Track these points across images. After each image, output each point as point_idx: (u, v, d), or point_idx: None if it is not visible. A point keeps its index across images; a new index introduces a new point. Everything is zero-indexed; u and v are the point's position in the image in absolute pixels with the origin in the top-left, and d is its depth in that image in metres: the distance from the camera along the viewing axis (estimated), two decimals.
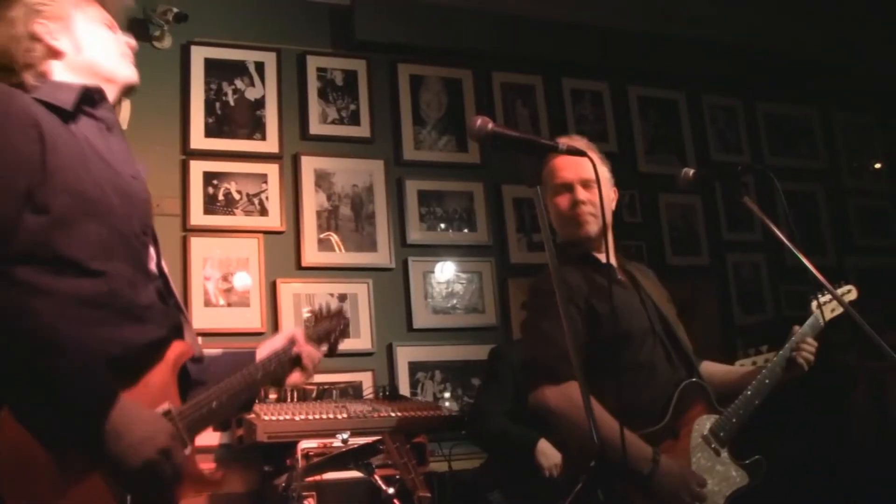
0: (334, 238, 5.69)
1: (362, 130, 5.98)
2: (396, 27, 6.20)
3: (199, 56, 5.64)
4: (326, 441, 4.33)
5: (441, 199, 6.08)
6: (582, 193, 3.24)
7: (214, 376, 2.45)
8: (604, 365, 2.93)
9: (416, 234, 5.94)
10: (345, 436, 4.04)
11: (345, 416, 4.42)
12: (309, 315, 3.23)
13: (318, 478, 4.34)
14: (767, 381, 3.25)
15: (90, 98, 2.28)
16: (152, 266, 2.33)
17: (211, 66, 5.66)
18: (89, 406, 1.92)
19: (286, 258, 5.55)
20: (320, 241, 5.65)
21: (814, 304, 3.48)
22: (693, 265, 6.76)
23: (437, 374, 5.70)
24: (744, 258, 6.99)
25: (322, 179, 5.75)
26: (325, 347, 2.85)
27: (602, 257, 3.26)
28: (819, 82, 7.58)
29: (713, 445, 3.07)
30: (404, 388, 5.48)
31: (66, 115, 2.19)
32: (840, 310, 3.45)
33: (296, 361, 2.67)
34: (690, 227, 6.85)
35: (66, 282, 2.04)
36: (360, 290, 5.65)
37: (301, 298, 5.48)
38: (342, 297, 5.58)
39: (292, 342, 2.67)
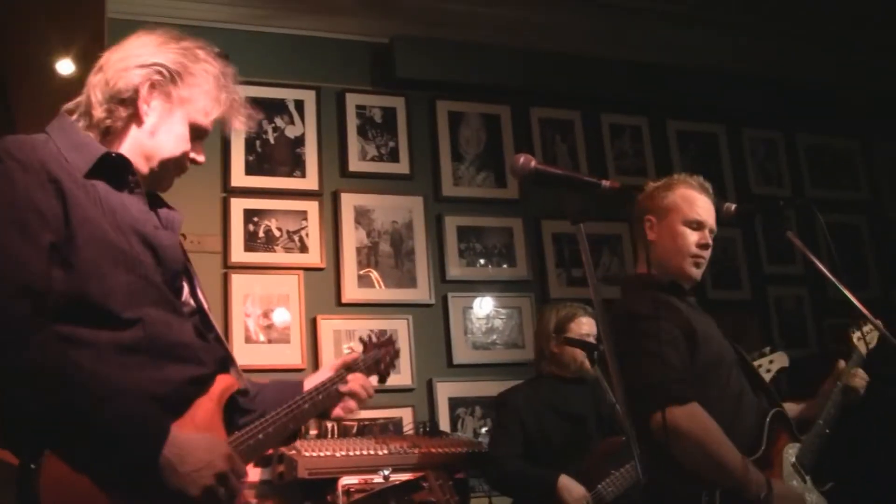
0: (374, 274, 5.71)
1: (401, 167, 6.01)
2: (435, 64, 6.22)
3: (242, 94, 5.68)
4: (367, 477, 4.33)
5: (480, 235, 6.08)
6: (710, 240, 3.28)
7: (262, 405, 2.48)
8: (703, 392, 2.95)
9: (455, 270, 5.94)
10: (386, 472, 4.04)
11: (385, 451, 4.42)
12: (356, 344, 3.29)
13: None
14: (833, 409, 3.34)
15: (110, 164, 2.23)
16: (188, 304, 2.35)
17: (251, 104, 5.69)
18: (143, 444, 1.95)
19: (326, 295, 5.57)
20: (360, 278, 5.66)
21: (855, 335, 3.60)
22: (734, 299, 6.71)
23: (478, 409, 5.67)
24: (786, 291, 6.93)
25: (361, 216, 5.77)
26: (374, 377, 2.87)
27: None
28: (859, 112, 7.52)
29: (801, 473, 3.09)
30: (444, 424, 5.47)
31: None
32: (874, 343, 3.58)
33: (343, 392, 2.68)
34: (731, 261, 6.80)
35: (103, 333, 2.05)
36: (400, 326, 5.65)
37: (341, 335, 5.49)
38: (382, 334, 5.55)
39: (341, 372, 2.68)
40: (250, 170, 5.57)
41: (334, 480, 4.29)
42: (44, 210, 2.02)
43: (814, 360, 6.64)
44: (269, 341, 5.33)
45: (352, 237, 5.72)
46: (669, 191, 3.31)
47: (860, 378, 3.44)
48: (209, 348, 2.30)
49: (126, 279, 2.10)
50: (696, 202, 3.29)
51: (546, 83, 6.57)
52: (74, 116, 2.28)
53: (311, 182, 5.72)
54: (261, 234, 5.48)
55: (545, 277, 6.18)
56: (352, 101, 6.01)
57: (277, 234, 5.52)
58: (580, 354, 4.51)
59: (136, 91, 2.26)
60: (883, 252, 7.44)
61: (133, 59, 2.29)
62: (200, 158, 2.42)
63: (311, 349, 5.41)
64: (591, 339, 4.50)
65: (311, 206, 5.65)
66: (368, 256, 5.72)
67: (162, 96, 2.30)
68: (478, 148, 6.29)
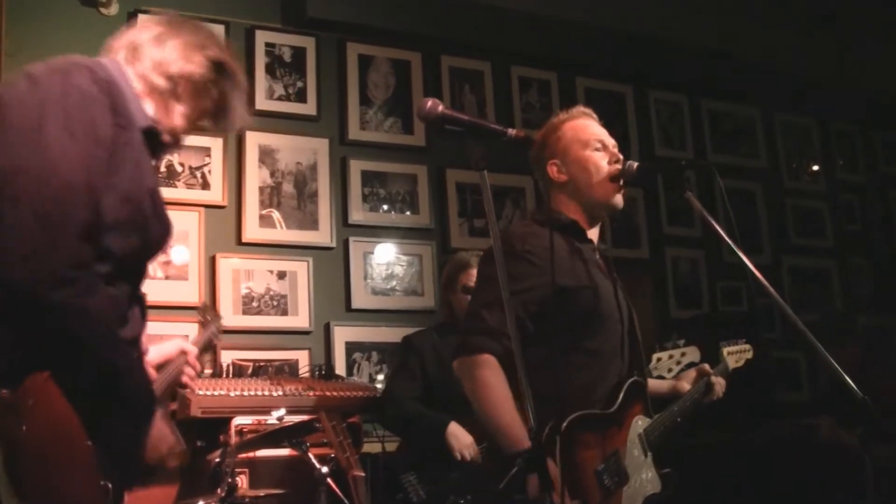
0: (276, 215, 5.66)
1: (308, 108, 5.94)
2: (347, 6, 6.15)
3: None
4: (261, 418, 4.32)
5: (384, 181, 6.07)
6: (619, 154, 3.25)
7: None
8: (564, 342, 2.96)
9: (357, 215, 5.92)
10: (280, 413, 4.02)
11: (280, 393, 4.41)
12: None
13: (251, 455, 4.33)
14: (688, 403, 3.44)
15: (150, 133, 2.34)
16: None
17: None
18: (147, 404, 2.22)
19: (227, 233, 5.51)
20: (262, 218, 5.61)
21: (725, 350, 3.89)
22: (632, 258, 6.83)
23: (374, 355, 5.69)
24: (683, 252, 7.08)
25: (266, 155, 5.71)
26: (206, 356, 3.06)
27: (592, 236, 3.27)
28: (761, 82, 7.68)
29: (644, 446, 3.11)
30: (340, 368, 5.48)
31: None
32: (741, 363, 3.95)
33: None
34: (631, 220, 6.91)
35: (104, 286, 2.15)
36: (300, 269, 5.62)
37: (240, 274, 5.44)
38: (282, 275, 5.55)
39: (182, 359, 2.79)
40: None
41: (227, 420, 4.28)
42: (115, 150, 2.13)
43: (704, 319, 6.82)
44: (167, 278, 5.25)
45: (255, 176, 5.65)
46: (559, 130, 3.27)
47: (720, 386, 3.58)
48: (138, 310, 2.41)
49: (134, 244, 2.20)
50: (588, 127, 3.27)
51: (458, 32, 6.56)
52: (128, 60, 2.40)
53: None
54: (162, 168, 5.36)
55: (447, 226, 6.20)
56: (261, 38, 5.91)
57: (179, 169, 5.43)
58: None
59: (192, 75, 2.40)
60: (776, 220, 7.64)
61: (200, 47, 2.44)
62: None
63: (209, 287, 5.35)
64: None
65: (215, 143, 5.56)
66: (271, 196, 5.67)
67: (199, 87, 2.43)
68: (386, 93, 6.25)
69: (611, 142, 3.27)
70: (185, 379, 2.77)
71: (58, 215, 1.96)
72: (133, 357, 2.20)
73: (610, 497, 2.88)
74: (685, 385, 3.55)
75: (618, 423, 3.02)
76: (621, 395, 3.04)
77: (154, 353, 2.66)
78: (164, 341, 2.80)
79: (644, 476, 3.07)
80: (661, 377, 3.63)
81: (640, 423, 3.12)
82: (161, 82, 2.35)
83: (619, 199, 3.21)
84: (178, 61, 2.37)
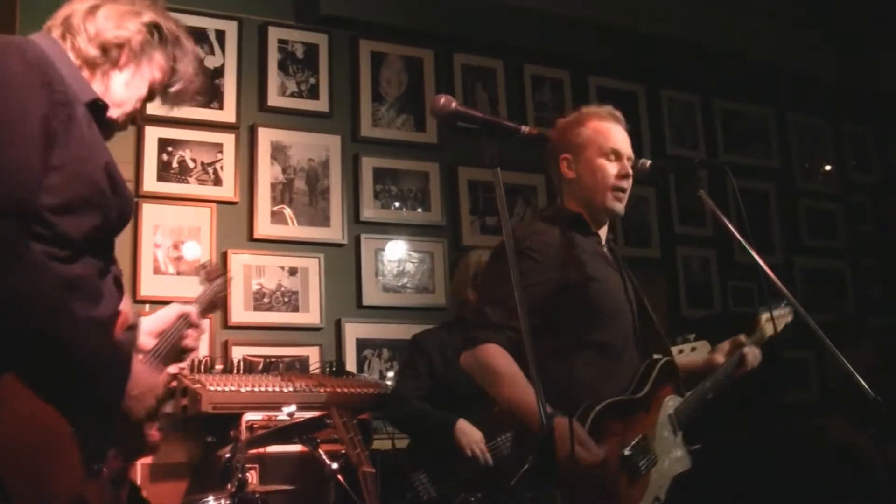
0: (287, 211, 5.66)
1: (321, 105, 5.95)
2: (361, 3, 6.16)
3: None
4: (271, 414, 4.33)
5: (396, 178, 6.07)
6: (629, 169, 3.24)
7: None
8: (571, 337, 2.97)
9: (369, 212, 5.92)
10: (291, 409, 4.03)
11: (291, 389, 4.42)
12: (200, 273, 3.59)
13: (261, 450, 4.34)
14: (722, 377, 3.38)
15: (95, 106, 2.27)
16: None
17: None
18: (116, 378, 2.09)
19: (238, 229, 5.51)
20: (273, 214, 5.62)
21: (762, 317, 3.67)
22: (644, 256, 6.82)
23: (385, 351, 5.69)
24: (694, 252, 7.06)
25: (278, 152, 5.71)
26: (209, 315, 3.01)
27: (600, 232, 3.28)
28: (773, 82, 7.67)
29: (674, 426, 3.12)
30: (351, 365, 5.48)
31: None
32: (780, 329, 3.68)
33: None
34: (643, 219, 6.90)
35: (55, 264, 2.08)
36: (311, 265, 5.63)
37: (251, 270, 5.45)
38: (293, 271, 5.55)
39: (180, 325, 2.73)
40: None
41: (238, 416, 4.29)
42: (52, 129, 2.04)
43: (716, 319, 6.81)
44: (178, 273, 5.26)
45: (267, 172, 5.66)
46: (582, 126, 3.28)
47: (753, 356, 3.49)
48: (117, 291, 2.34)
49: (93, 223, 2.13)
50: (610, 133, 3.26)
51: (471, 30, 6.55)
52: (62, 36, 2.31)
53: (228, 114, 5.63)
54: (174, 164, 5.39)
55: (458, 224, 6.20)
56: (274, 34, 5.92)
57: (192, 165, 5.44)
58: None
59: (129, 41, 2.32)
60: (789, 220, 7.62)
61: (134, 14, 2.36)
62: (139, 120, 2.51)
63: None
64: None
65: (228, 139, 5.57)
66: (283, 193, 5.67)
67: (145, 55, 2.37)
68: (398, 90, 6.25)
69: (627, 152, 3.25)
70: (187, 342, 2.73)
71: None
72: (100, 333, 2.12)
73: (637, 481, 2.89)
74: (720, 358, 3.51)
75: (646, 406, 3.03)
76: (652, 378, 3.05)
77: (152, 321, 2.65)
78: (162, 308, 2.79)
79: (674, 455, 3.09)
80: None
81: (670, 404, 3.14)
82: (96, 53, 2.28)
83: (618, 206, 3.22)
84: (112, 30, 2.30)
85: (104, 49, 2.29)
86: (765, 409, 5.90)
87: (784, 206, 7.64)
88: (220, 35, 5.73)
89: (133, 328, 2.50)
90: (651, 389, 3.04)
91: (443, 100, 2.42)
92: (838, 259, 7.79)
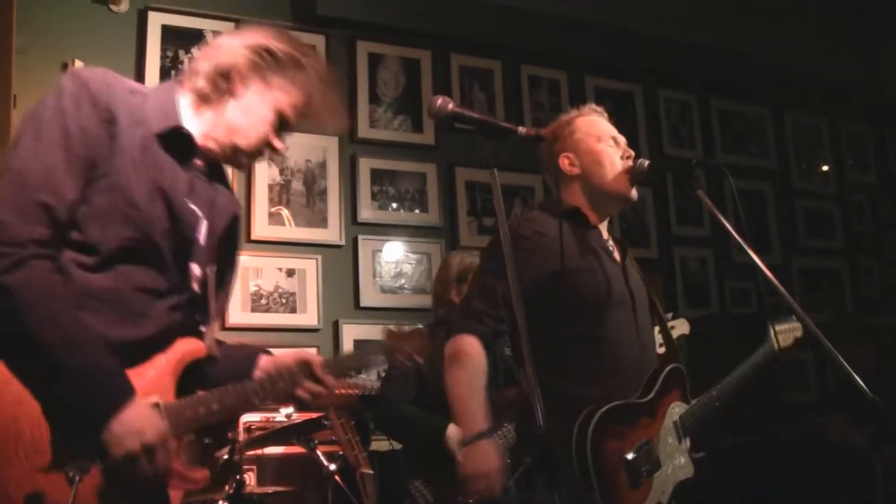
0: (285, 212, 5.66)
1: None
2: (357, 4, 6.15)
3: (155, 22, 5.57)
4: (269, 416, 4.32)
5: (394, 179, 6.07)
6: (631, 151, 3.26)
7: (218, 376, 2.42)
8: (564, 328, 2.97)
9: (367, 213, 5.92)
10: (289, 410, 4.02)
11: None
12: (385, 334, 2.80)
13: (259, 452, 4.33)
14: (731, 384, 3.34)
15: (175, 136, 2.29)
16: (194, 286, 2.34)
17: (168, 33, 5.58)
18: (104, 400, 2.03)
19: None
20: (271, 215, 5.61)
21: (772, 329, 3.62)
22: (641, 257, 6.80)
23: None
24: (692, 252, 7.06)
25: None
26: (346, 380, 2.83)
27: (602, 227, 3.28)
28: (771, 82, 7.67)
29: (679, 433, 3.11)
30: None
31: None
32: (790, 342, 3.66)
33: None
34: (640, 220, 6.90)
35: (81, 272, 2.11)
36: (309, 266, 5.63)
37: (249, 271, 5.45)
38: (290, 272, 5.55)
39: (304, 367, 2.48)
40: None
41: (235, 417, 4.28)
42: (90, 140, 2.11)
43: (713, 319, 6.81)
44: None
45: (264, 174, 5.65)
46: (571, 125, 3.29)
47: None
48: (178, 321, 2.28)
49: (126, 234, 2.14)
50: (599, 124, 3.30)
51: (468, 31, 6.55)
52: (182, 81, 2.39)
53: None
54: None
55: (456, 225, 6.20)
56: None
57: None
58: None
59: (236, 67, 2.35)
60: (786, 220, 7.62)
61: (241, 39, 2.40)
62: (278, 145, 2.49)
63: None
64: None
65: None
66: (280, 194, 5.67)
67: (260, 79, 2.37)
68: (396, 91, 6.25)
69: (622, 139, 3.29)
70: (299, 392, 2.45)
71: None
72: (96, 347, 2.04)
73: (639, 485, 2.88)
74: None
75: (651, 411, 3.01)
76: (658, 383, 3.04)
77: (267, 360, 2.50)
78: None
79: (677, 462, 3.07)
80: None
81: (676, 410, 3.12)
82: (204, 85, 2.32)
83: (633, 192, 3.22)
84: (219, 60, 2.35)
85: (213, 80, 2.33)
86: (764, 409, 5.89)
87: (781, 205, 7.64)
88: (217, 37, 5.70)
89: (212, 361, 2.39)
90: (657, 395, 3.03)
91: (440, 101, 2.43)
92: (836, 259, 7.79)
